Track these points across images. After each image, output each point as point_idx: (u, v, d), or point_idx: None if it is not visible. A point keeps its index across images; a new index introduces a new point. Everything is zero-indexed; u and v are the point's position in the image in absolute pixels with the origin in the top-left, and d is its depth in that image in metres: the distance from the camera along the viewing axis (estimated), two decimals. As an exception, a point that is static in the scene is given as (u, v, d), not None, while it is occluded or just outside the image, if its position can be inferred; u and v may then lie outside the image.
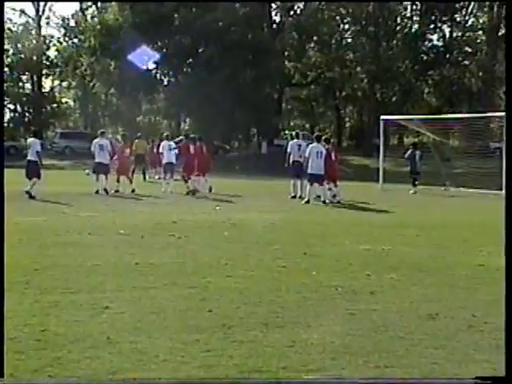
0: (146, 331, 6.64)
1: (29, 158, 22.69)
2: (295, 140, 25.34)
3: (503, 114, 25.44)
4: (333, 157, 23.52)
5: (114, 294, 8.12)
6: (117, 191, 24.75)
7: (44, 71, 75.51)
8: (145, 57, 51.36)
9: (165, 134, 30.39)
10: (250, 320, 7.13)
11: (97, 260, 10.37)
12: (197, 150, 27.02)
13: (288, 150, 24.91)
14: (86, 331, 6.60)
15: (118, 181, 25.40)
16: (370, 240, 13.48)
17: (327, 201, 22.41)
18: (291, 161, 24.39)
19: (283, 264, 10.41)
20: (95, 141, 25.58)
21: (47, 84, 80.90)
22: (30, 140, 23.67)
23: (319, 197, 22.90)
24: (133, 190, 24.93)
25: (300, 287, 8.78)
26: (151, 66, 60.26)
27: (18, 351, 5.85)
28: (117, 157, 25.99)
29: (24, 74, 72.95)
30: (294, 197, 23.93)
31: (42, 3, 75.00)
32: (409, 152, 30.48)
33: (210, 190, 25.90)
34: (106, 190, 24.08)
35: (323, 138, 24.28)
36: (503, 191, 26.50)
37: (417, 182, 29.40)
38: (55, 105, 76.69)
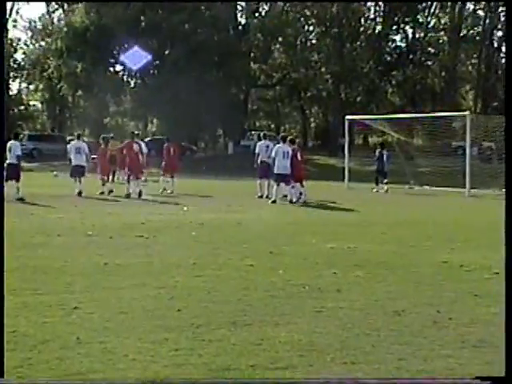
0: (114, 331, 6.64)
1: (10, 161, 22.31)
2: (263, 141, 25.45)
3: (465, 113, 25.73)
4: (298, 157, 23.65)
5: (82, 295, 8.12)
6: (111, 191, 24.81)
7: (11, 74, 75.05)
8: (136, 57, 51.14)
9: (135, 133, 30.17)
10: (218, 319, 7.16)
11: (65, 261, 10.35)
12: (165, 150, 27.05)
13: (256, 150, 25.04)
14: (56, 332, 6.60)
15: (105, 182, 25.40)
16: (336, 238, 13.58)
17: (294, 200, 22.55)
18: (259, 161, 24.49)
19: (251, 263, 10.46)
20: (72, 143, 25.38)
21: (14, 86, 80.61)
22: (10, 143, 22.93)
23: (286, 196, 23.04)
24: (101, 193, 24.80)
25: (267, 286, 8.82)
26: (118, 67, 60.25)
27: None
28: (98, 159, 25.80)
29: (-9, 77, 72.39)
30: (261, 197, 24.04)
31: (8, 6, 74.60)
32: (377, 152, 30.79)
33: (172, 192, 25.98)
34: (79, 192, 23.80)
35: (288, 138, 24.40)
36: (466, 189, 27.01)
37: (385, 181, 29.71)
38: (23, 107, 76.31)
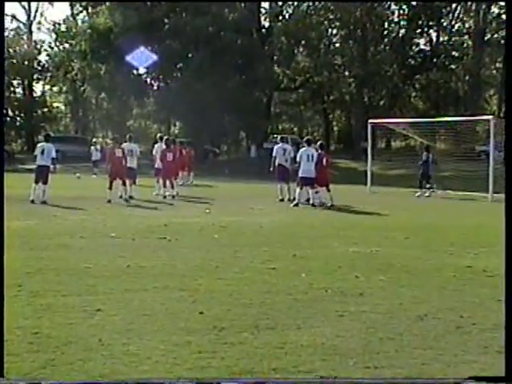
0: (137, 333, 6.66)
1: (43, 163, 22.19)
2: (280, 144, 25.35)
3: (489, 117, 25.48)
4: (324, 162, 23.57)
5: (105, 297, 8.16)
6: (165, 197, 24.57)
7: (35, 76, 75.80)
8: (143, 57, 51.40)
9: (158, 136, 30.10)
10: (240, 322, 7.17)
11: (88, 263, 10.38)
12: (174, 153, 26.76)
13: (273, 154, 24.90)
14: (79, 334, 6.63)
15: (164, 186, 25.22)
16: (358, 242, 13.56)
17: (316, 204, 22.50)
18: (276, 164, 24.40)
19: (273, 266, 10.45)
20: (124, 145, 25.21)
21: (38, 88, 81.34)
22: (44, 144, 22.68)
23: (308, 200, 22.96)
24: (164, 197, 24.70)
25: (290, 289, 8.82)
26: (142, 70, 60.46)
27: (11, 354, 5.87)
28: (160, 162, 25.58)
29: (15, 79, 72.91)
30: (282, 200, 23.97)
31: (33, 9, 75.26)
32: (423, 155, 30.50)
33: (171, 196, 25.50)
34: (131, 196, 23.63)
35: (318, 143, 24.28)
36: (489, 194, 26.84)
37: (428, 186, 29.68)
38: (46, 109, 76.70)
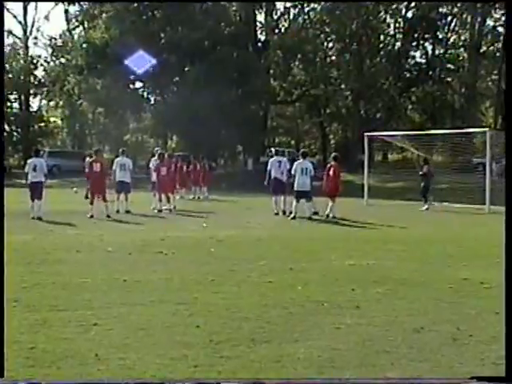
0: (134, 348, 6.65)
1: (37, 179, 21.97)
2: (275, 157, 25.43)
3: (485, 129, 25.45)
4: (331, 172, 23.59)
5: (102, 311, 8.14)
6: (160, 211, 24.67)
7: (32, 91, 75.78)
8: (141, 61, 51.37)
9: (155, 149, 30.10)
10: (237, 335, 7.16)
11: (85, 277, 10.37)
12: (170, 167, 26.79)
13: (268, 167, 24.80)
14: (75, 348, 6.61)
15: (160, 200, 25.27)
16: (355, 255, 13.53)
17: (313, 216, 22.52)
18: (272, 177, 24.35)
19: (269, 279, 10.45)
20: (117, 159, 25.14)
21: (35, 103, 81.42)
22: (34, 160, 22.47)
23: (316, 213, 22.98)
24: (159, 211, 24.82)
25: (286, 302, 8.81)
26: (138, 84, 60.42)
27: (6, 369, 5.85)
28: (156, 176, 25.65)
29: (12, 94, 72.93)
30: (278, 213, 23.94)
31: (29, 24, 75.35)
32: (425, 168, 30.29)
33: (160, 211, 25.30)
34: (128, 210, 23.81)
35: (332, 156, 24.53)
36: (486, 206, 26.83)
37: (429, 198, 29.50)
38: (43, 124, 76.70)
